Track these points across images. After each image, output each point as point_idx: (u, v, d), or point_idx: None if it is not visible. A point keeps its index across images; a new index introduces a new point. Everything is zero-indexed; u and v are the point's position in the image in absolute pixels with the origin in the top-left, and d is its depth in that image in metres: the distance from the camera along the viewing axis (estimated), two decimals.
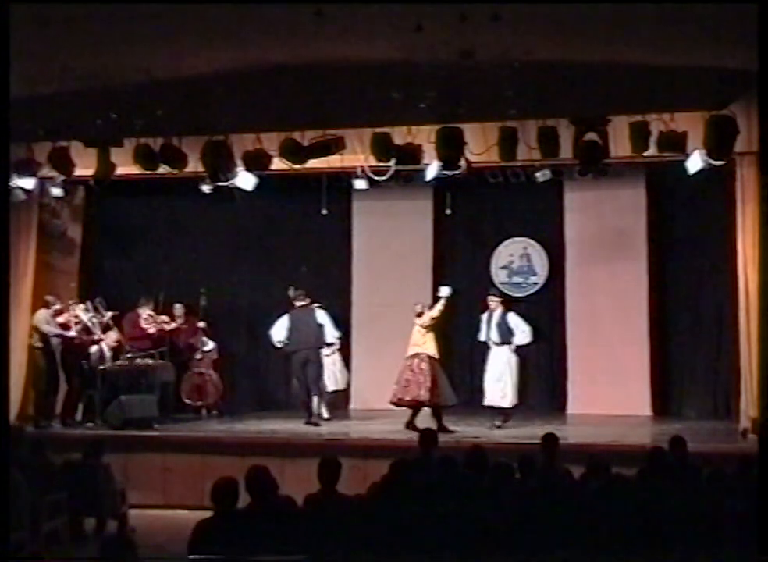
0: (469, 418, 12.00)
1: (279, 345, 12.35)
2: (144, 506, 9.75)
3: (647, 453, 7.42)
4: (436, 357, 11.48)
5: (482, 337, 11.93)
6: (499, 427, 11.40)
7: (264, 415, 12.47)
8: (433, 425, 10.58)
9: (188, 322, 13.30)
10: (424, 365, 11.35)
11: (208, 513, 5.44)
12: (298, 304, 12.29)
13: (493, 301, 11.90)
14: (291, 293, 12.40)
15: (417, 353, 11.43)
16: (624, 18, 8.28)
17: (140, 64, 9.46)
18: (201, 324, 13.22)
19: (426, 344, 11.47)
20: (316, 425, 11.82)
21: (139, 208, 14.46)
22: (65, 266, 13.63)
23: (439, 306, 11.54)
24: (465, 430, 11.21)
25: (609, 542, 5.49)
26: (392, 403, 11.49)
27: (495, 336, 11.73)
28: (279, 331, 12.27)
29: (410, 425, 11.22)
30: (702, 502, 6.06)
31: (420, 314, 11.59)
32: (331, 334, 12.47)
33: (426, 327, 11.51)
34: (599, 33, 8.77)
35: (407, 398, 11.34)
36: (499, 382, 11.59)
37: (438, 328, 11.68)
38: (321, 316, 12.34)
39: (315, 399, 12.17)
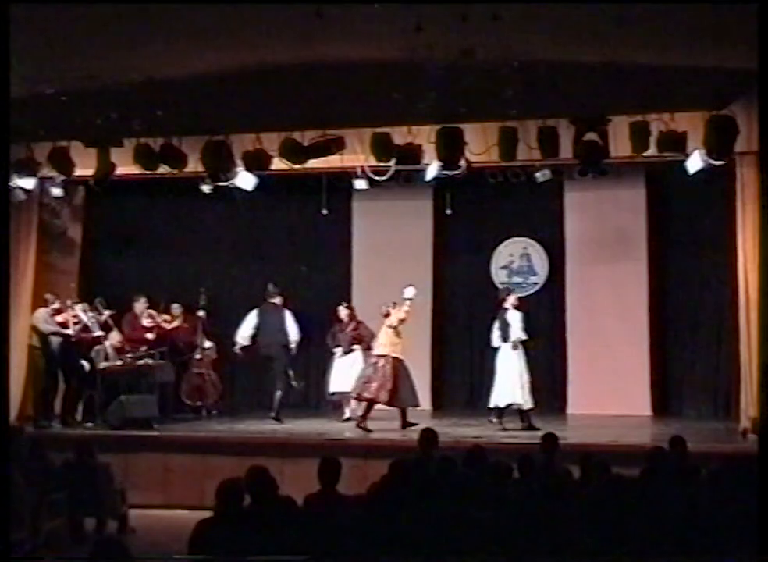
0: (470, 419, 12.02)
1: (240, 346, 12.53)
2: (144, 506, 9.75)
3: (647, 453, 7.41)
4: (401, 358, 11.55)
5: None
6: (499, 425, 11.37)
7: (264, 415, 12.46)
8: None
9: (187, 321, 13.32)
10: (388, 367, 11.41)
11: (209, 514, 5.43)
12: (270, 300, 12.51)
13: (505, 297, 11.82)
14: (270, 288, 12.61)
15: (383, 355, 11.50)
16: (624, 18, 8.28)
17: (140, 64, 9.47)
18: (201, 313, 13.18)
19: (394, 346, 11.53)
20: (278, 420, 11.98)
21: (139, 208, 14.45)
22: (65, 266, 13.62)
23: (405, 307, 11.55)
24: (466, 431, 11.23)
25: (609, 543, 5.49)
26: (354, 398, 11.75)
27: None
28: (246, 329, 12.47)
29: (363, 422, 11.40)
30: (702, 502, 6.06)
31: (387, 315, 11.64)
32: (293, 335, 12.42)
33: (394, 327, 11.55)
34: (599, 33, 8.77)
35: (366, 395, 11.46)
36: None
37: (404, 328, 11.70)
38: (288, 318, 12.45)
39: (278, 394, 12.22)
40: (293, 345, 12.45)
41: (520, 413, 11.35)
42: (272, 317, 12.45)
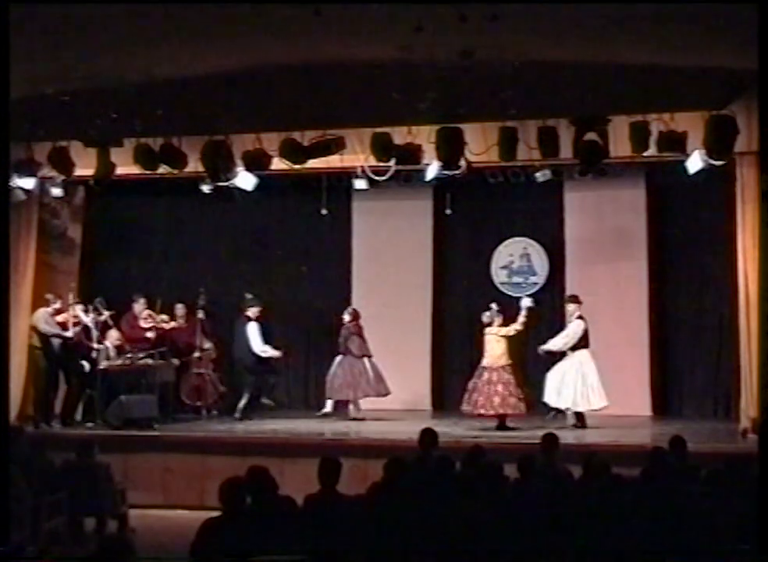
0: (470, 419, 12.02)
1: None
2: (144, 506, 9.75)
3: (647, 453, 7.42)
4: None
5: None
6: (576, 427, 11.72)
7: (264, 415, 12.46)
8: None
9: (189, 322, 13.31)
10: (512, 377, 11.50)
11: (208, 514, 5.43)
12: (243, 313, 12.62)
13: (570, 306, 12.10)
14: (246, 298, 12.76)
15: (505, 365, 11.53)
16: (624, 18, 8.28)
17: (140, 64, 9.47)
18: (200, 314, 13.18)
19: (506, 354, 11.57)
20: (241, 419, 12.28)
21: (139, 208, 14.45)
22: (65, 266, 13.61)
23: (522, 318, 11.59)
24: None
25: (609, 543, 5.49)
26: (487, 415, 11.54)
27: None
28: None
29: (503, 426, 11.39)
30: (702, 502, 6.06)
31: (490, 324, 11.63)
32: (257, 348, 12.52)
33: (508, 337, 11.58)
34: (599, 33, 8.77)
35: (505, 409, 11.43)
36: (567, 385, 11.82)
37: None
38: (251, 329, 12.52)
39: (245, 397, 12.51)
40: (266, 353, 12.54)
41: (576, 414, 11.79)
42: (240, 330, 12.64)
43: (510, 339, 11.64)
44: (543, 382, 12.01)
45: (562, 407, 11.86)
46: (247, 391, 12.55)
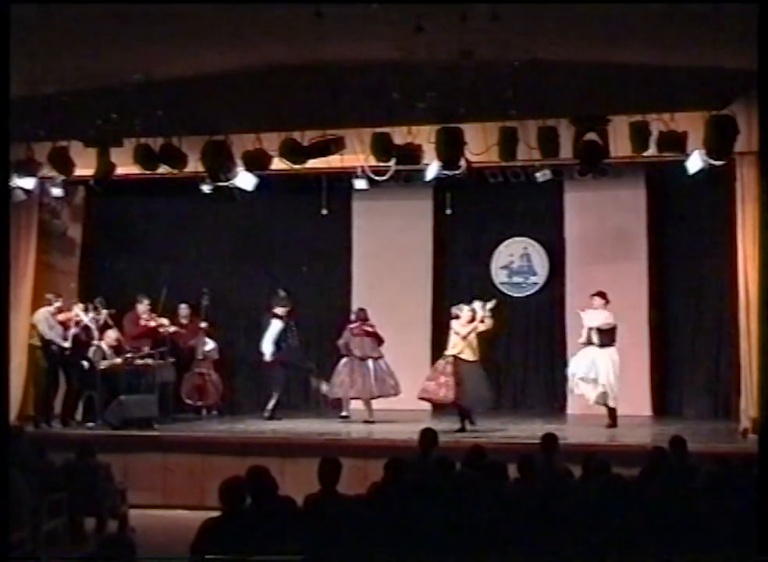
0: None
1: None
2: (144, 506, 9.75)
3: (647, 453, 7.42)
4: (471, 359, 11.51)
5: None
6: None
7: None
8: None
9: (192, 323, 13.31)
10: (449, 367, 11.41)
11: (209, 514, 5.43)
12: (271, 310, 12.62)
13: (597, 300, 12.05)
14: (277, 295, 12.74)
15: (454, 356, 11.47)
16: (624, 18, 8.29)
17: (140, 64, 9.48)
18: (203, 324, 13.23)
19: (464, 349, 11.47)
20: (269, 419, 12.26)
21: (139, 208, 14.47)
22: (65, 266, 13.62)
23: (488, 321, 11.58)
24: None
25: (609, 543, 5.49)
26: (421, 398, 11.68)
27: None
28: None
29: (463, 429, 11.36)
30: (702, 502, 6.06)
31: (457, 317, 11.60)
32: (266, 346, 12.55)
33: (466, 335, 11.49)
34: (599, 33, 8.78)
35: (434, 397, 11.53)
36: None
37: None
38: (272, 328, 12.56)
39: (275, 397, 12.49)
40: (266, 356, 12.55)
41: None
42: (265, 327, 12.66)
43: (477, 337, 11.56)
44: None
45: (591, 398, 11.85)
46: (276, 390, 12.49)
